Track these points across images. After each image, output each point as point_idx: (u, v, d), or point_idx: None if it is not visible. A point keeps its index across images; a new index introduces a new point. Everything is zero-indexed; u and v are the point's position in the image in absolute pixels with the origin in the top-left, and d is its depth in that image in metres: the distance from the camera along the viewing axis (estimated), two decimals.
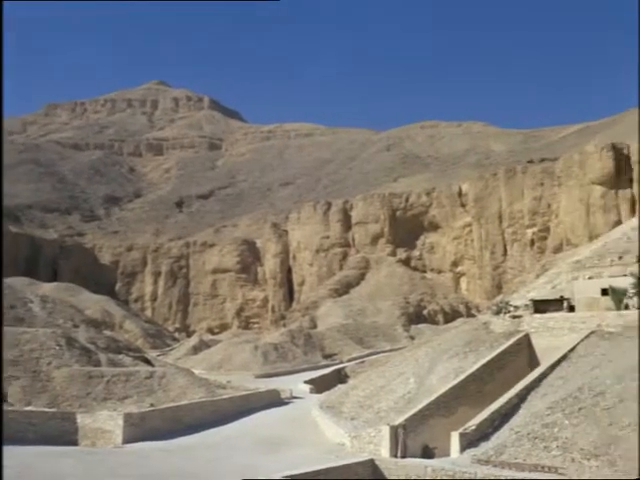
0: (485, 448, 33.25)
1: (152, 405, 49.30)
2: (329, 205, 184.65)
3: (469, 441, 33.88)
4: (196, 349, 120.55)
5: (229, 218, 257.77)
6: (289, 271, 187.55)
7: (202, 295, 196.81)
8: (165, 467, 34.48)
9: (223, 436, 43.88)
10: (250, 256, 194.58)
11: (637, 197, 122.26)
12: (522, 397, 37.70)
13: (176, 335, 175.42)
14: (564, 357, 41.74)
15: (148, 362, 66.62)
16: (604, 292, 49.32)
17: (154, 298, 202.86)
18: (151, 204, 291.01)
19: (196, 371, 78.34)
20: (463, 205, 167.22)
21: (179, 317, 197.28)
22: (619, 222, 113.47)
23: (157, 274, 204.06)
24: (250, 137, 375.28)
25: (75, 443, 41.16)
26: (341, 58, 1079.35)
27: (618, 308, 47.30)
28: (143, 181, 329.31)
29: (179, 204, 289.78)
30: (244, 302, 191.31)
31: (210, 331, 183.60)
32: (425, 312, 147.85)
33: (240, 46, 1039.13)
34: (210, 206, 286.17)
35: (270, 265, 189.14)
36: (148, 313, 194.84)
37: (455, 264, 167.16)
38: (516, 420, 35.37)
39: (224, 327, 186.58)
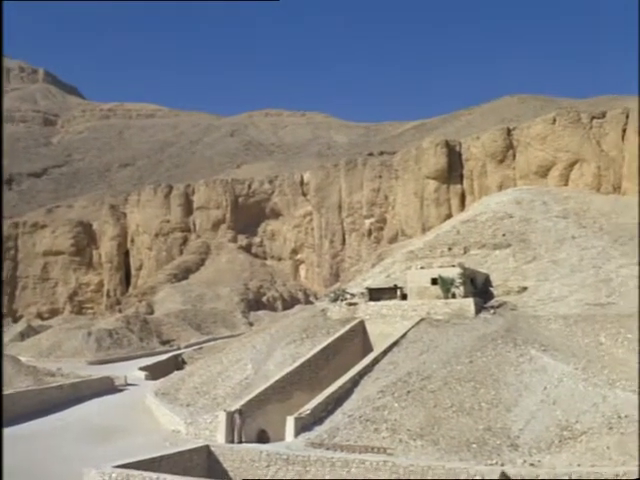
0: (319, 431, 34.08)
1: None
2: (170, 188, 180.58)
3: (304, 425, 34.57)
4: (23, 335, 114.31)
5: (63, 198, 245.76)
6: (126, 255, 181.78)
7: (31, 278, 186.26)
8: None
9: (51, 426, 42.00)
10: (85, 238, 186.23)
11: (467, 192, 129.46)
12: (355, 382, 38.99)
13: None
14: (396, 343, 43.63)
15: None
16: (434, 281, 51.96)
17: None
18: None
19: (23, 358, 74.44)
20: (304, 194, 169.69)
21: (5, 301, 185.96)
22: (450, 215, 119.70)
23: None
24: (89, 114, 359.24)
25: None
26: (184, 38, 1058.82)
27: (446, 297, 50.05)
28: None
29: (8, 181, 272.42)
30: (77, 286, 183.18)
31: (40, 316, 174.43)
32: (264, 299, 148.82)
33: (81, 20, 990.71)
34: (43, 185, 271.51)
35: (106, 248, 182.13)
36: None
37: (295, 252, 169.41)
38: (349, 404, 36.52)
39: (55, 312, 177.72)
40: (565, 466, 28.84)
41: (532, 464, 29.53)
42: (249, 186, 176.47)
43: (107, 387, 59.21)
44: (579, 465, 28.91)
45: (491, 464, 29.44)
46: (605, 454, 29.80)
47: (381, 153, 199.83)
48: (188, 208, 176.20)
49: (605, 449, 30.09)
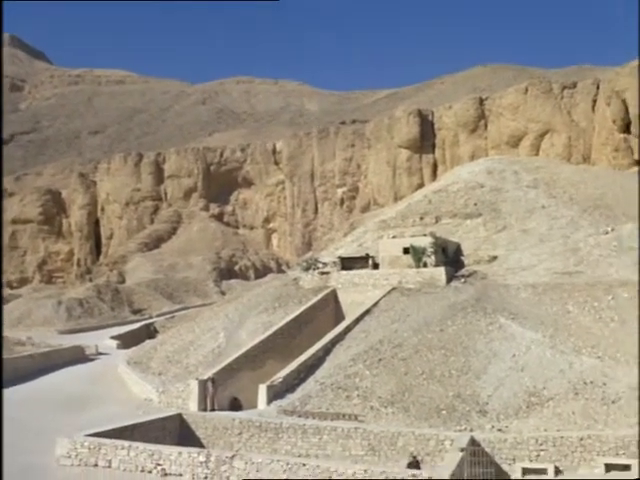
0: (291, 399, 34.39)
1: None
2: (141, 157, 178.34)
3: (276, 393, 34.84)
4: None
5: (32, 166, 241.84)
6: (97, 224, 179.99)
7: None
8: None
9: (22, 396, 41.74)
10: (54, 207, 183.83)
11: (439, 162, 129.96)
12: (327, 350, 39.31)
13: None
14: (367, 312, 43.97)
15: None
16: (405, 251, 52.27)
17: None
18: None
19: None
20: (277, 163, 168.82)
21: None
22: (422, 185, 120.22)
23: None
24: (57, 80, 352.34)
25: None
26: (154, 3, 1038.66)
27: (417, 266, 50.42)
28: None
29: None
30: (47, 255, 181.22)
31: (9, 285, 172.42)
32: (237, 267, 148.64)
33: None
34: (10, 152, 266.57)
35: (76, 217, 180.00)
36: None
37: (267, 220, 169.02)
38: (321, 372, 36.85)
39: (24, 281, 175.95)
40: (532, 431, 29.50)
41: (500, 429, 30.15)
42: (221, 154, 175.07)
43: (78, 356, 58.96)
44: (545, 430, 29.58)
45: (460, 430, 30.01)
46: (571, 419, 30.51)
47: (354, 122, 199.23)
48: (159, 176, 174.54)
49: (571, 414, 30.80)
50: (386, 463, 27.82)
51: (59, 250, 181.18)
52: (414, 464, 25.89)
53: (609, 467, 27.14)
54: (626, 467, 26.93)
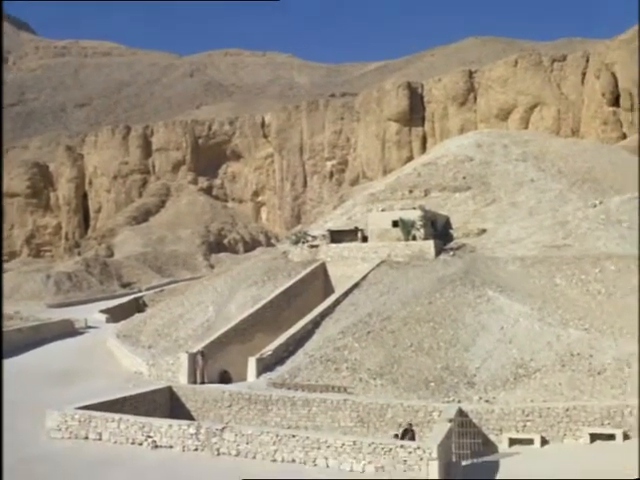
0: (280, 372, 34.55)
1: None
2: (128, 130, 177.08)
3: (265, 366, 34.98)
4: None
5: (17, 139, 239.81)
6: (85, 197, 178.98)
7: None
8: None
9: (12, 370, 41.75)
10: (42, 180, 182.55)
11: (428, 135, 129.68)
12: (317, 323, 39.43)
13: None
14: (356, 285, 44.05)
15: None
16: (395, 224, 52.25)
17: None
18: None
19: None
20: (265, 136, 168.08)
21: None
22: (411, 158, 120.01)
23: None
24: (42, 52, 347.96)
25: None
26: None
27: (406, 239, 50.46)
28: None
29: None
30: (35, 229, 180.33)
31: None
32: (226, 241, 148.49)
33: None
34: None
35: (64, 190, 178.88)
36: None
37: (256, 194, 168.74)
38: (310, 345, 36.98)
39: (12, 255, 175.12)
40: (519, 402, 29.83)
41: (487, 401, 30.44)
42: (209, 127, 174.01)
43: (68, 330, 58.92)
44: (532, 401, 29.91)
45: (448, 401, 30.29)
46: (557, 390, 30.84)
47: (343, 94, 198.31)
48: (147, 150, 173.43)
49: (557, 385, 31.13)
50: (375, 434, 28.10)
51: (47, 224, 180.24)
52: (409, 432, 26.10)
53: (594, 437, 27.56)
54: (610, 437, 27.34)
